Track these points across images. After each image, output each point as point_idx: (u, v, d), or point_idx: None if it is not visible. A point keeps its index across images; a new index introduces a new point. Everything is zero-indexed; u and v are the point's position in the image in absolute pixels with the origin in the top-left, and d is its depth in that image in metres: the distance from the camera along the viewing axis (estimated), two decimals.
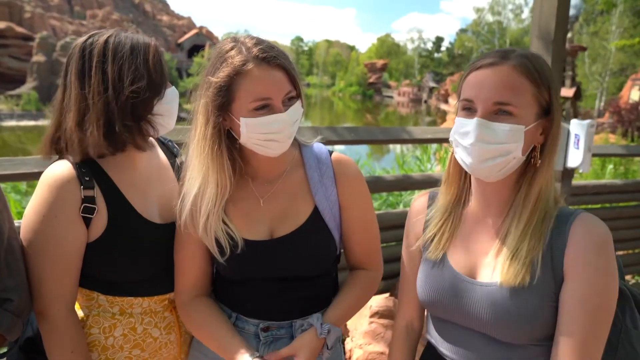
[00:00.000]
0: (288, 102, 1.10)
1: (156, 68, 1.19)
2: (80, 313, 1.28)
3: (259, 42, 1.08)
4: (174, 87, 1.26)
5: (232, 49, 1.08)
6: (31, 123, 29.56)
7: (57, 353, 1.18)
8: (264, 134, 1.08)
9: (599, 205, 3.80)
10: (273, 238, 1.18)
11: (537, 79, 0.93)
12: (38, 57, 36.19)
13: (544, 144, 0.98)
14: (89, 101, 1.14)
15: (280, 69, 1.08)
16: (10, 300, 1.06)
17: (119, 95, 1.14)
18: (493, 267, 1.01)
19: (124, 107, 1.15)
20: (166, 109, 1.23)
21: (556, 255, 0.95)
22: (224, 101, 1.07)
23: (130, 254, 1.22)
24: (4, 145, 24.55)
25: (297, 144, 1.27)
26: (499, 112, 0.94)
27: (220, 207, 1.15)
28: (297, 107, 1.12)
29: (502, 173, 0.98)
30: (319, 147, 1.28)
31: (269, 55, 1.06)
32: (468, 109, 0.97)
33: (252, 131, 1.08)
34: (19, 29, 39.35)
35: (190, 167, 1.14)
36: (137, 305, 1.28)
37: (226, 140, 1.12)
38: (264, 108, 1.07)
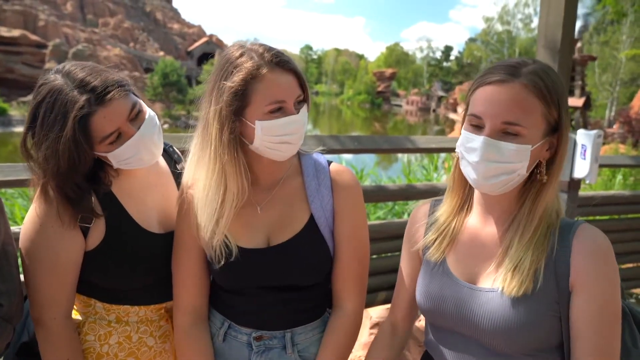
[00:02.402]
0: (298, 105, 1.12)
1: (72, 143, 1.06)
2: (78, 317, 1.28)
3: (269, 48, 1.10)
4: (146, 120, 1.17)
5: (242, 55, 1.08)
6: None
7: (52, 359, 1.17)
8: (279, 136, 1.09)
9: (607, 217, 3.75)
10: (270, 246, 1.18)
11: (547, 97, 0.91)
12: (51, 64, 36.65)
13: (551, 159, 0.98)
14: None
15: (292, 73, 1.10)
16: (0, 305, 1.06)
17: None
18: (494, 276, 1.00)
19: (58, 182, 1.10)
20: (130, 150, 1.14)
21: (560, 266, 0.94)
22: (240, 105, 1.07)
23: (128, 263, 1.21)
24: (15, 151, 24.87)
25: (297, 153, 1.26)
26: (506, 131, 0.92)
27: (235, 212, 1.14)
28: (304, 111, 1.14)
29: (506, 188, 0.98)
30: (318, 156, 1.28)
31: (281, 60, 1.08)
32: (476, 125, 0.97)
33: (267, 134, 1.09)
34: (33, 37, 39.95)
35: (205, 175, 1.13)
36: (133, 313, 1.27)
37: (241, 144, 1.12)
38: (279, 111, 1.09)
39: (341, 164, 1.30)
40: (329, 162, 1.27)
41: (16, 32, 38.94)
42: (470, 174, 0.99)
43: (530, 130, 0.91)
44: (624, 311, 1.03)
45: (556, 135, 0.96)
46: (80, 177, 1.12)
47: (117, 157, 1.15)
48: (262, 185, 1.22)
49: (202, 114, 1.12)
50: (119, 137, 1.13)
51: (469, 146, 0.97)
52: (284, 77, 1.08)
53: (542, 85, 0.91)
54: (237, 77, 1.05)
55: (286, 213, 1.20)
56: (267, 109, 1.07)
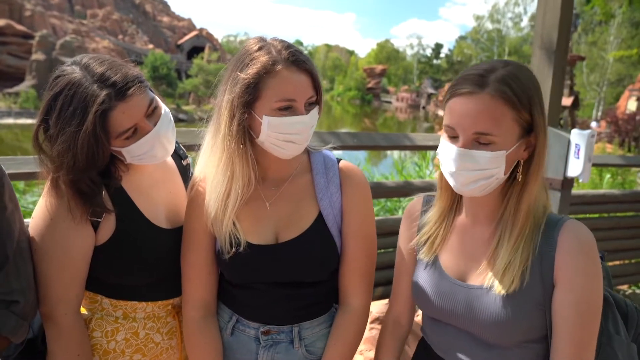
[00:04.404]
0: (308, 106, 1.12)
1: (92, 138, 1.05)
2: (85, 313, 1.27)
3: (289, 45, 1.10)
4: (162, 116, 1.17)
5: (260, 48, 1.09)
6: (29, 121, 29.38)
7: (62, 357, 1.16)
8: (284, 134, 1.09)
9: (597, 215, 3.81)
10: (278, 242, 1.18)
11: (516, 103, 0.93)
12: (37, 56, 36.05)
13: (529, 159, 1.00)
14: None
15: (307, 74, 1.10)
16: (17, 302, 1.05)
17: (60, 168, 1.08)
18: (485, 273, 1.04)
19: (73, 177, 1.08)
20: (145, 146, 1.14)
21: (545, 261, 0.98)
22: (250, 98, 1.07)
23: (137, 258, 1.21)
24: (1, 143, 24.45)
25: (306, 150, 1.28)
26: (479, 140, 0.95)
27: (241, 203, 1.15)
28: (315, 113, 1.14)
29: (486, 191, 1.01)
30: (327, 153, 1.28)
31: (298, 59, 1.08)
32: (451, 135, 1.00)
33: (273, 130, 1.09)
34: (19, 27, 39.18)
35: (214, 164, 1.14)
36: (140, 309, 1.27)
37: (248, 136, 1.12)
38: (287, 109, 1.09)
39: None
40: (339, 160, 1.28)
41: (1, 22, 38.17)
42: (450, 181, 1.03)
43: (502, 137, 0.94)
44: (607, 300, 1.08)
45: (532, 134, 0.98)
46: (95, 172, 1.11)
47: (131, 152, 1.14)
48: (271, 181, 1.22)
49: (217, 102, 1.13)
50: (135, 133, 1.13)
51: (446, 155, 1.00)
52: (298, 76, 1.08)
53: (510, 93, 0.93)
54: (251, 70, 1.06)
55: (295, 210, 1.20)
56: (276, 105, 1.07)
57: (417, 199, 1.24)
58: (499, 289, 0.99)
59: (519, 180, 1.00)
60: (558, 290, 0.96)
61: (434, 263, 1.12)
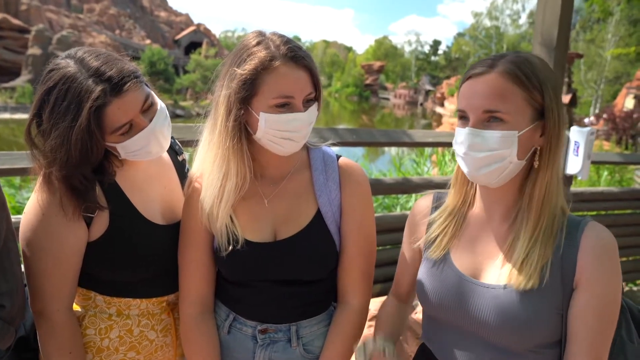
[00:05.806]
0: (307, 103, 1.10)
1: (86, 134, 1.03)
2: (78, 310, 1.26)
3: (288, 41, 1.08)
4: (157, 112, 1.16)
5: (259, 43, 1.07)
6: (25, 116, 29.18)
7: (54, 354, 1.15)
8: (282, 131, 1.08)
9: (594, 212, 3.81)
10: (276, 240, 1.17)
11: (526, 83, 0.93)
12: (34, 50, 35.87)
13: (545, 145, 0.98)
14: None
15: (306, 70, 1.08)
16: (2, 306, 1.02)
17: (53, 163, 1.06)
18: (499, 270, 1.00)
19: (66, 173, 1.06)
20: (140, 142, 1.13)
21: (567, 263, 0.95)
22: (247, 94, 1.06)
23: (131, 254, 1.19)
24: None
25: (305, 146, 1.26)
26: (490, 119, 0.94)
27: (235, 200, 1.14)
28: (314, 109, 1.12)
29: (502, 179, 0.98)
30: (326, 150, 1.27)
31: (297, 55, 1.06)
32: (463, 119, 0.99)
33: (270, 127, 1.07)
34: (15, 21, 38.89)
35: (210, 161, 1.13)
36: (134, 306, 1.25)
37: (245, 133, 1.11)
38: (285, 106, 1.07)
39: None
40: (338, 157, 1.26)
41: None
42: (463, 167, 1.01)
43: (513, 116, 0.92)
44: (621, 306, 1.04)
45: (545, 120, 0.96)
46: (88, 168, 1.09)
47: (126, 148, 1.13)
48: (269, 178, 1.21)
49: (214, 97, 1.11)
50: (130, 129, 1.11)
51: (458, 140, 0.99)
52: (296, 72, 1.06)
53: (519, 72, 0.93)
54: (248, 66, 1.04)
55: (293, 207, 1.19)
56: (274, 102, 1.05)
57: (427, 196, 1.21)
58: (516, 285, 0.95)
59: (535, 168, 0.97)
60: (580, 293, 0.93)
61: (444, 260, 1.09)
